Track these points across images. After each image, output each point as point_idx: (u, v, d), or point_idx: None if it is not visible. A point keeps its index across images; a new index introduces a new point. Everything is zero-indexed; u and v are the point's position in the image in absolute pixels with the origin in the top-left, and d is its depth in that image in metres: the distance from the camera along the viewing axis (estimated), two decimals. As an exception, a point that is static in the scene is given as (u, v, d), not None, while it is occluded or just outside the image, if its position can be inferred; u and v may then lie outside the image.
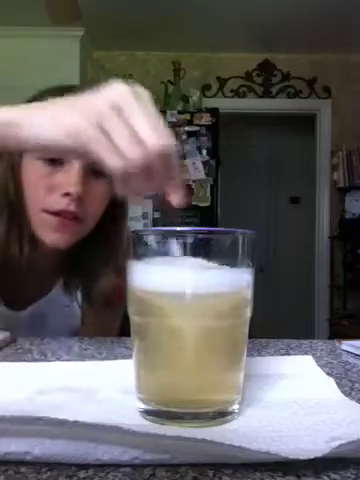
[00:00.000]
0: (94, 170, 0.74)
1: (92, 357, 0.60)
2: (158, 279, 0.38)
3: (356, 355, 0.60)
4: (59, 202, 0.73)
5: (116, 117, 0.42)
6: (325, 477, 0.30)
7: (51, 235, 0.75)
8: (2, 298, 0.81)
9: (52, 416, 0.32)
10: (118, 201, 0.82)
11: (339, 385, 0.46)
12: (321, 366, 0.53)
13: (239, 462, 0.31)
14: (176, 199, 0.44)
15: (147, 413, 0.38)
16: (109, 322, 0.75)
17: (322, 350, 0.64)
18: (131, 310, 0.41)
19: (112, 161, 0.42)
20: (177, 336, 0.38)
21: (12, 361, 0.57)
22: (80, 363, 0.56)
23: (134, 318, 0.41)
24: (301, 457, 0.30)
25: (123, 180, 0.42)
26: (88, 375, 0.49)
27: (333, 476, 0.30)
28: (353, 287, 3.83)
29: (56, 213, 0.73)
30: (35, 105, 0.48)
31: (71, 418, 0.32)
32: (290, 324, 4.09)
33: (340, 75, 3.89)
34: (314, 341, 0.69)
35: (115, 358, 0.59)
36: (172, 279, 0.38)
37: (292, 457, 0.30)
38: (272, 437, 0.33)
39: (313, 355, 0.58)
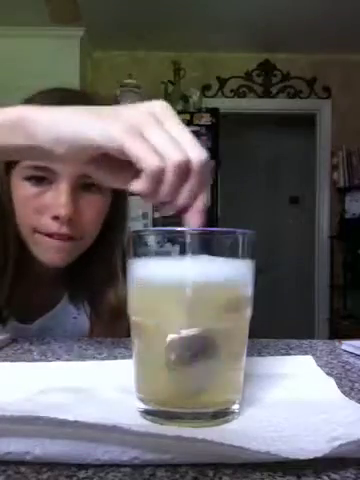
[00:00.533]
0: (85, 185, 0.71)
1: (92, 357, 0.60)
2: (157, 279, 0.38)
3: (356, 355, 0.60)
4: (50, 225, 0.70)
5: (156, 125, 0.40)
6: (325, 477, 0.30)
7: (47, 255, 0.73)
8: (13, 312, 0.80)
9: (52, 416, 0.32)
10: (117, 212, 0.80)
11: (339, 385, 0.46)
12: (321, 366, 0.53)
13: (239, 462, 0.31)
14: (197, 220, 0.42)
15: (147, 413, 0.38)
16: (118, 333, 0.75)
17: (322, 350, 0.64)
18: (130, 310, 0.41)
19: (149, 158, 0.39)
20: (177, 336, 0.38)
21: (12, 361, 0.57)
22: (80, 363, 0.56)
23: (133, 318, 0.41)
24: (301, 457, 0.30)
25: (154, 179, 0.39)
26: (88, 375, 0.49)
27: (333, 476, 0.30)
28: (353, 287, 3.83)
29: (49, 235, 0.71)
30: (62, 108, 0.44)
31: (71, 418, 0.32)
32: (290, 324, 4.09)
33: (340, 75, 3.90)
34: (314, 341, 0.69)
35: (115, 358, 0.59)
36: (171, 279, 0.38)
37: (292, 457, 0.30)
38: (272, 437, 0.33)
39: (313, 355, 0.58)
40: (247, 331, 0.41)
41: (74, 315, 0.86)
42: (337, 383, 0.46)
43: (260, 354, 0.61)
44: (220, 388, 0.39)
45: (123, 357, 0.59)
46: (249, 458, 0.31)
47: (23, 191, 0.71)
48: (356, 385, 0.48)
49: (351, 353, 0.61)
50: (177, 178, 0.39)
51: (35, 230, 0.72)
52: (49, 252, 0.73)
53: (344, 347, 0.64)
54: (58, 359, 0.58)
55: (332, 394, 0.43)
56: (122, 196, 0.81)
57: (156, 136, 0.40)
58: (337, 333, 3.64)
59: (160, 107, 0.41)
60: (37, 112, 0.43)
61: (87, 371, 0.51)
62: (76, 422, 0.31)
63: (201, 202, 0.42)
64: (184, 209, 0.42)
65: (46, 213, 0.70)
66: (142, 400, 0.39)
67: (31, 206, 0.71)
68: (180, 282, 0.37)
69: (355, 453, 0.32)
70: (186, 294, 0.37)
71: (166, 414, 0.37)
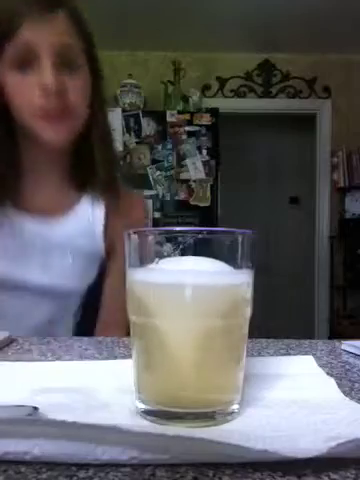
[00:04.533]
0: (65, 63, 0.78)
1: (92, 357, 0.60)
2: (157, 279, 0.38)
3: (356, 355, 0.60)
4: (39, 100, 0.76)
5: None
6: (325, 477, 0.30)
7: (46, 133, 0.79)
8: (34, 209, 0.86)
9: (52, 416, 0.32)
10: (97, 93, 0.86)
11: (339, 385, 0.46)
12: (321, 366, 0.53)
13: (238, 462, 0.31)
14: None
15: (147, 413, 0.38)
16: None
17: (322, 350, 0.64)
18: (130, 310, 0.41)
19: None
20: (176, 336, 0.38)
21: (12, 361, 0.57)
22: (80, 363, 0.55)
23: (133, 318, 0.41)
24: (299, 456, 0.30)
25: None
26: (88, 375, 0.49)
27: (333, 476, 0.30)
28: (353, 287, 3.84)
29: (43, 113, 0.77)
30: None
31: (70, 418, 0.32)
32: (290, 324, 4.09)
33: (340, 75, 3.90)
34: (314, 341, 0.69)
35: (115, 358, 0.59)
36: (171, 279, 0.38)
37: (290, 455, 0.30)
38: (271, 436, 0.33)
39: (313, 355, 0.58)
40: (247, 331, 0.41)
41: (89, 217, 0.91)
42: (337, 383, 0.46)
43: (260, 354, 0.61)
44: (220, 388, 0.39)
45: (123, 357, 0.59)
46: (247, 457, 0.31)
47: (11, 80, 0.78)
48: (356, 385, 0.48)
49: (351, 353, 0.61)
50: None
51: (29, 114, 0.78)
52: (47, 130, 0.79)
53: (344, 347, 0.64)
54: (58, 359, 0.58)
55: (333, 394, 0.43)
56: (99, 76, 0.88)
57: None
58: (337, 333, 3.64)
59: None
60: None
61: (87, 371, 0.51)
62: (75, 423, 0.31)
63: None
64: None
65: (34, 91, 0.77)
66: (142, 400, 0.39)
67: (20, 90, 0.78)
68: (180, 283, 0.37)
69: (355, 453, 0.32)
70: (186, 295, 0.37)
71: (166, 414, 0.37)
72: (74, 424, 0.31)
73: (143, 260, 0.39)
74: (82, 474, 0.30)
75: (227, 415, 0.38)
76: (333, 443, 0.31)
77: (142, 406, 0.39)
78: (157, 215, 3.21)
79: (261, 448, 0.31)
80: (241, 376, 0.40)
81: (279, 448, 0.31)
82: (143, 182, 3.15)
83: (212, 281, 0.38)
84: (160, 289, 0.38)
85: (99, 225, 0.90)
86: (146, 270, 0.39)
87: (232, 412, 0.38)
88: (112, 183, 0.91)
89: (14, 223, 0.83)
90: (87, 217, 0.90)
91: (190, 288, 0.37)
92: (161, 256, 0.38)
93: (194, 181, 3.20)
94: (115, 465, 0.31)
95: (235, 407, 0.39)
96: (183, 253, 0.37)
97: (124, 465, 0.31)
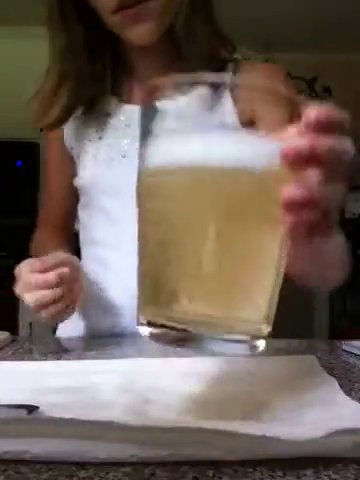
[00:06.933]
0: None
1: (92, 357, 0.60)
2: (174, 153, 0.32)
3: (356, 355, 0.60)
4: None
5: None
6: (325, 477, 0.30)
7: (132, 30, 0.74)
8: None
9: (51, 415, 0.32)
10: None
11: (339, 385, 0.46)
12: (321, 366, 0.53)
13: (236, 458, 0.31)
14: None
15: (152, 336, 0.32)
16: None
17: (322, 350, 0.64)
18: (140, 196, 0.35)
19: None
20: (193, 227, 0.32)
21: (12, 361, 0.57)
22: (80, 363, 0.55)
23: (146, 205, 0.34)
24: (297, 439, 0.31)
25: None
26: (88, 375, 0.49)
27: (333, 476, 0.30)
28: (353, 287, 3.83)
29: (118, 7, 0.72)
30: None
31: (68, 417, 0.32)
32: (290, 324, 4.09)
33: (340, 75, 3.89)
34: (314, 341, 0.69)
35: (115, 358, 0.59)
36: (190, 151, 0.31)
37: (286, 438, 0.31)
38: (270, 424, 0.34)
39: (313, 355, 0.58)
40: (282, 237, 0.33)
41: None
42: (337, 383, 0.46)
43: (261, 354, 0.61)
44: (245, 301, 0.33)
45: (123, 357, 0.58)
46: (244, 445, 0.31)
47: None
48: (356, 385, 0.48)
49: (351, 353, 0.61)
50: None
51: (111, 12, 0.73)
52: (132, 26, 0.73)
53: (344, 347, 0.64)
54: (58, 359, 0.58)
55: (334, 394, 0.43)
56: None
57: None
58: (337, 333, 3.64)
59: None
60: None
61: (87, 371, 0.51)
62: (73, 420, 0.32)
63: None
64: None
65: None
66: (148, 319, 0.33)
67: None
68: (200, 154, 0.31)
69: (355, 453, 0.32)
70: (210, 166, 0.31)
71: (179, 335, 0.31)
72: (72, 421, 0.32)
73: (160, 134, 0.34)
74: (82, 474, 0.30)
75: (254, 339, 0.33)
76: (331, 430, 0.31)
77: (146, 329, 0.33)
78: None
79: (258, 433, 0.31)
80: (272, 298, 0.33)
81: (277, 433, 0.31)
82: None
83: (242, 152, 0.31)
84: (175, 164, 0.32)
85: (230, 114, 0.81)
86: (161, 144, 0.33)
87: (259, 336, 0.33)
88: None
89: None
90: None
91: (217, 159, 0.31)
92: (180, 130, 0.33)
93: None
94: (115, 464, 0.31)
95: (265, 328, 0.33)
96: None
97: (124, 465, 0.31)
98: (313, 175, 0.32)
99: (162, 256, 0.33)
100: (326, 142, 0.32)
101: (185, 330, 0.31)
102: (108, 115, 0.84)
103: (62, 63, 0.81)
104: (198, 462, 0.31)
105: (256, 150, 0.32)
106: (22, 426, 0.33)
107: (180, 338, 0.31)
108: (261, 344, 0.33)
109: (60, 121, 0.81)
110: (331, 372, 0.52)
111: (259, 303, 0.33)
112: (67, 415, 0.32)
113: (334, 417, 0.37)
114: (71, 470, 0.31)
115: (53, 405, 0.39)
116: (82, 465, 0.31)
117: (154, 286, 0.33)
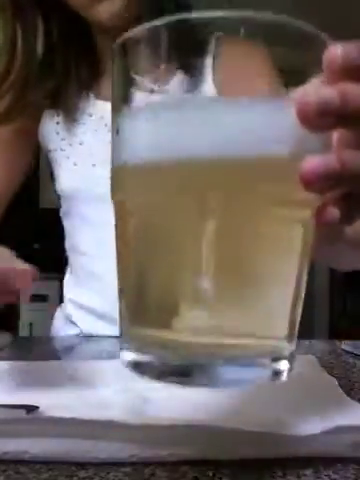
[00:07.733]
0: None
1: (92, 357, 0.59)
2: (162, 138, 0.24)
3: (356, 355, 0.60)
4: None
5: None
6: (325, 477, 0.30)
7: (98, 8, 0.71)
8: None
9: (51, 415, 0.32)
10: None
11: (339, 385, 0.46)
12: (321, 366, 0.53)
13: (236, 458, 0.31)
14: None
15: (138, 367, 0.26)
16: None
17: (322, 350, 0.64)
18: (117, 192, 0.28)
19: None
20: (197, 229, 0.24)
21: (12, 361, 0.57)
22: (80, 363, 0.55)
23: (126, 203, 0.28)
24: (294, 433, 0.31)
25: None
26: (88, 375, 0.49)
27: (333, 476, 0.30)
28: (353, 287, 3.83)
29: None
30: None
31: (68, 416, 0.32)
32: (290, 324, 4.08)
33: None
34: (314, 341, 0.69)
35: (115, 358, 0.59)
36: (185, 135, 0.23)
37: (284, 433, 0.31)
38: (268, 418, 0.34)
39: (313, 355, 0.58)
40: (313, 237, 0.26)
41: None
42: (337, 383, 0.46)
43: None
44: (264, 315, 0.26)
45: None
46: (244, 445, 0.31)
47: None
48: (356, 385, 0.48)
49: (351, 353, 0.61)
50: None
51: None
52: (100, 4, 0.71)
53: (344, 347, 0.64)
54: (58, 359, 0.58)
55: (334, 395, 0.43)
56: None
57: None
58: (337, 333, 3.64)
59: None
60: None
61: (87, 371, 0.51)
62: (73, 419, 0.32)
63: None
64: None
65: None
66: (132, 347, 0.27)
67: None
68: (201, 138, 0.23)
69: (355, 452, 0.32)
70: (212, 157, 0.23)
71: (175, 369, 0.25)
72: (72, 421, 0.32)
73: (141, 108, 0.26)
74: (82, 474, 0.30)
75: (276, 359, 0.27)
76: (329, 425, 0.31)
77: (132, 357, 0.27)
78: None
79: (256, 430, 0.31)
80: (295, 312, 0.27)
81: (274, 428, 0.31)
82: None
83: (250, 134, 0.23)
84: (165, 155, 0.24)
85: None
86: (142, 125, 0.25)
87: (281, 357, 0.26)
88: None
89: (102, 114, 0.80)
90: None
91: (220, 147, 0.23)
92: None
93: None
94: (115, 464, 0.31)
95: (287, 347, 0.26)
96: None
97: (124, 465, 0.31)
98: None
99: (153, 268, 0.27)
100: None
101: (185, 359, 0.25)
102: (90, 115, 0.82)
103: (13, 52, 0.77)
104: (198, 462, 0.31)
105: (284, 124, 0.23)
106: (22, 426, 0.32)
107: (178, 370, 0.26)
108: (284, 367, 0.27)
109: (9, 112, 0.77)
110: (331, 372, 0.52)
111: (279, 316, 0.27)
112: (67, 415, 0.32)
113: (334, 417, 0.37)
114: (71, 470, 0.31)
115: (53, 405, 0.39)
116: (82, 465, 0.31)
117: (143, 302, 0.27)
